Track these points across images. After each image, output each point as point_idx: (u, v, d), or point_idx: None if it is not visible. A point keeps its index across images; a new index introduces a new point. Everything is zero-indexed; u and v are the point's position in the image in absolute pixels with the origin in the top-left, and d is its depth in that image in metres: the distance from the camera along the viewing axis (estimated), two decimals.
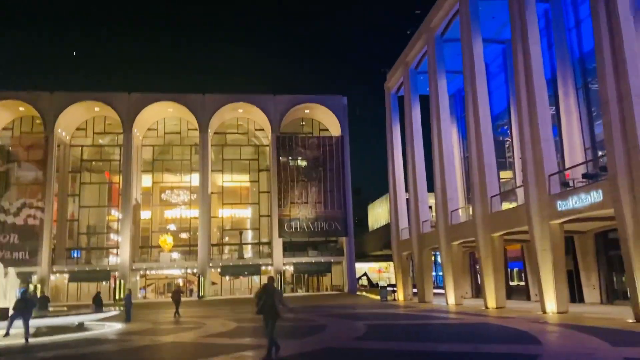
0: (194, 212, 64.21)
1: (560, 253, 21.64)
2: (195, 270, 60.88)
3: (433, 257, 40.25)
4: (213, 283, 63.80)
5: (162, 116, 66.86)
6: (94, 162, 66.00)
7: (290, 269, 65.07)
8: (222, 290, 63.28)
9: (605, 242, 25.15)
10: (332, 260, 65.85)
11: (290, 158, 65.92)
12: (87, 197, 64.60)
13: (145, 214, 66.51)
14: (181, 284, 62.88)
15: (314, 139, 67.67)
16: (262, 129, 69.06)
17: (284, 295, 46.57)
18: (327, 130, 69.97)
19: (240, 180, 69.29)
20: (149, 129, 67.24)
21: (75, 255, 63.10)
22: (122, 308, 27.08)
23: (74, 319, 22.87)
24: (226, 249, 67.85)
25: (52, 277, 58.14)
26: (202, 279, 59.38)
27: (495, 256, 26.75)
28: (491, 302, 26.56)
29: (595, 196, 18.54)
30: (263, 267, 64.76)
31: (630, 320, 16.76)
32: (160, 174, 67.85)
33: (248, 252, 67.62)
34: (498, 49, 33.92)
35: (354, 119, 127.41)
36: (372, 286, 50.41)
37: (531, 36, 23.20)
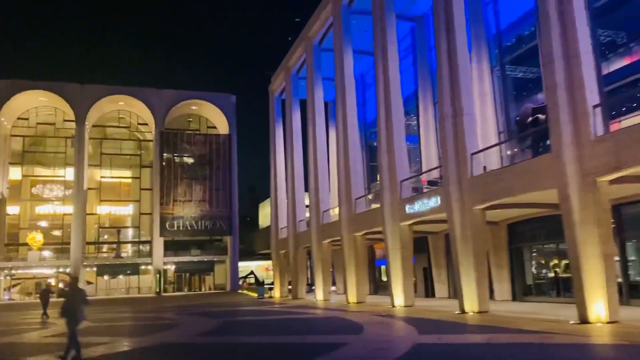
0: (69, 209, 60.86)
1: (409, 252, 23.79)
2: (68, 270, 57.68)
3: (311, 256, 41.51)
4: (89, 283, 60.94)
5: (34, 105, 62.60)
6: None
7: (172, 268, 64.01)
8: (98, 290, 60.65)
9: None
10: (216, 259, 65.74)
11: (175, 154, 64.74)
12: None
13: (13, 209, 61.87)
14: (52, 284, 59.28)
15: (200, 136, 67.08)
16: (146, 124, 67.16)
17: (167, 294, 45.23)
18: (215, 128, 69.61)
19: (120, 176, 66.79)
20: (19, 118, 62.60)
21: None
22: None
23: None
24: (104, 247, 65.15)
25: None
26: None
27: (357, 254, 28.63)
28: (352, 297, 28.36)
29: (434, 202, 20.74)
30: (142, 267, 63.12)
31: (457, 312, 19.03)
32: (31, 167, 63.51)
33: (128, 251, 65.48)
34: (372, 60, 36.00)
35: (250, 119, 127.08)
36: (259, 284, 51.30)
37: (390, 52, 25.17)
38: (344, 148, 29.55)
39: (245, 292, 56.18)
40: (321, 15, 33.61)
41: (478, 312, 18.33)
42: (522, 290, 23.65)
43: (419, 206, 22.02)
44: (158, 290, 59.46)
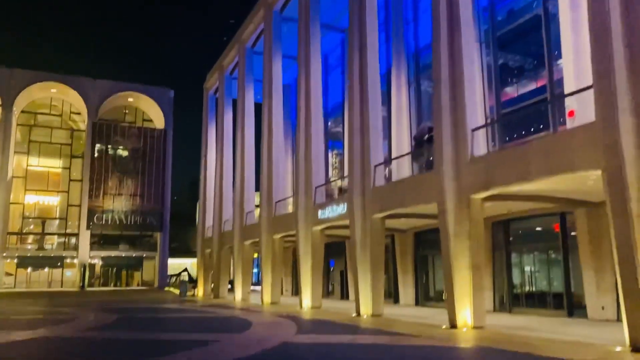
0: None
1: (319, 256, 24.70)
2: None
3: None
4: (8, 274, 58.76)
5: None
6: None
7: (99, 262, 62.63)
8: (18, 283, 58.53)
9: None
10: (145, 255, 64.79)
11: (108, 146, 63.42)
12: None
13: None
14: None
15: (135, 129, 65.95)
16: (79, 113, 65.42)
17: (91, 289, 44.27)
18: (151, 121, 68.61)
19: (49, 165, 64.70)
20: None
21: None
22: None
23: None
24: (29, 238, 62.86)
25: None
26: None
27: (275, 255, 29.34)
28: (267, 298, 29.00)
29: (342, 208, 21.76)
30: (68, 260, 61.45)
31: (354, 314, 20.07)
32: None
33: (54, 243, 63.46)
34: None
35: (196, 114, 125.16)
36: (192, 281, 51.05)
37: (313, 61, 26.00)
38: (268, 150, 30.20)
39: (172, 289, 55.76)
40: (254, 19, 34.14)
41: (372, 315, 19.40)
42: (424, 296, 25.07)
43: (329, 212, 22.97)
44: (82, 284, 58.00)
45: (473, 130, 15.17)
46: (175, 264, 67.79)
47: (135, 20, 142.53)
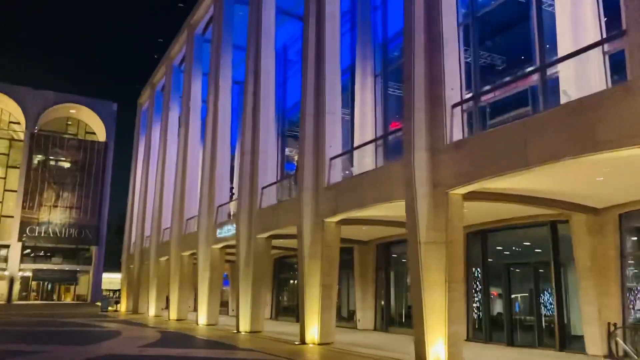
0: None
1: (218, 274, 25.39)
2: None
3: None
4: None
5: None
6: None
7: (28, 275, 61.27)
8: None
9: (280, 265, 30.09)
10: (79, 269, 63.74)
11: (46, 157, 62.66)
12: None
13: None
14: None
15: (74, 141, 65.42)
16: (19, 123, 64.47)
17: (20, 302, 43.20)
18: (94, 134, 68.15)
19: None
20: None
21: None
22: None
23: None
24: None
25: None
26: None
27: (182, 272, 29.80)
28: (173, 314, 29.40)
29: (230, 230, 22.62)
30: None
31: (234, 331, 20.78)
32: None
33: None
34: None
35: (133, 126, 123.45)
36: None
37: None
38: (183, 167, 30.83)
39: (98, 304, 55.06)
40: (179, 40, 34.98)
41: (250, 332, 20.13)
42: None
43: (225, 231, 23.73)
44: (9, 297, 56.62)
45: (331, 159, 16.28)
46: (113, 278, 66.77)
47: (81, 31, 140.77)
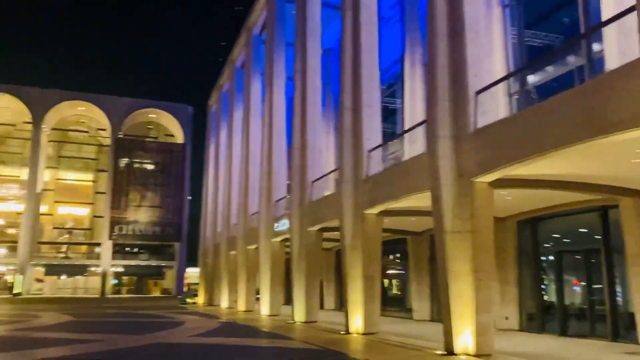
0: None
1: (278, 266, 26.27)
2: (14, 268, 59.61)
3: None
4: (39, 281, 62.90)
5: None
6: None
7: (119, 270, 65.98)
8: (47, 289, 62.52)
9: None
10: (164, 265, 67.79)
11: (130, 161, 67.01)
12: None
13: None
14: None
15: (155, 144, 69.46)
16: (105, 129, 69.40)
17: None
18: (172, 136, 72.09)
19: (77, 178, 69.05)
20: None
21: None
22: None
23: None
24: (61, 248, 67.00)
25: None
26: (19, 276, 58.28)
27: (249, 266, 31.04)
28: (241, 306, 30.76)
29: (285, 224, 23.34)
30: (93, 268, 65.03)
31: (290, 322, 21.48)
32: None
33: (80, 252, 67.37)
34: None
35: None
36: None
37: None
38: (245, 167, 32.05)
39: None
40: (239, 43, 36.24)
41: (305, 322, 20.73)
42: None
43: (281, 225, 24.52)
44: (102, 291, 61.37)
45: (369, 151, 16.45)
46: (195, 272, 70.37)
47: (153, 39, 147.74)
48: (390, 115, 24.87)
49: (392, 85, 25.62)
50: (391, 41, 24.66)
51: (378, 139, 17.08)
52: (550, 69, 15.27)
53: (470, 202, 11.37)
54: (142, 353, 12.45)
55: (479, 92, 11.74)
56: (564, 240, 16.81)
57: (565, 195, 13.91)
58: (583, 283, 15.47)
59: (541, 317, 16.35)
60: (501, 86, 14.18)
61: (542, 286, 16.78)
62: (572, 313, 15.73)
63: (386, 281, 26.59)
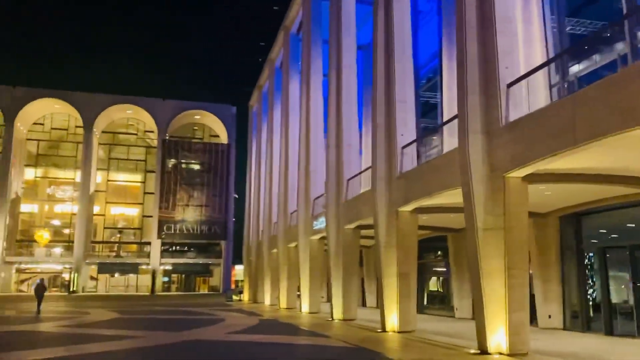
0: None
1: (317, 263, 26.36)
2: (70, 266, 62.26)
3: None
4: (93, 279, 65.51)
5: (49, 111, 67.70)
6: None
7: (169, 268, 67.89)
8: (100, 287, 65.05)
9: None
10: (211, 262, 69.30)
11: (176, 161, 68.81)
12: None
13: (29, 208, 67.14)
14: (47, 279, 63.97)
15: (200, 144, 71.02)
16: (152, 131, 71.50)
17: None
18: (217, 136, 73.51)
19: (127, 179, 71.45)
20: (34, 123, 67.82)
21: None
22: None
23: None
24: (109, 246, 69.60)
25: None
26: (75, 274, 60.85)
27: (290, 264, 31.29)
28: (283, 304, 31.05)
29: (323, 222, 23.36)
30: (143, 266, 67.19)
31: (329, 319, 21.52)
32: (46, 169, 68.70)
33: (131, 251, 69.75)
34: None
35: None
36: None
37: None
38: (285, 165, 32.29)
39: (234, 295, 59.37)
40: (277, 41, 36.51)
41: (343, 320, 20.73)
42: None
43: (319, 223, 24.59)
44: (152, 289, 63.31)
45: (403, 147, 16.26)
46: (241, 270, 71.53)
47: (194, 42, 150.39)
48: (431, 110, 24.59)
49: (432, 79, 25.36)
50: (430, 34, 24.44)
51: (412, 135, 16.84)
52: (594, 57, 14.71)
53: (503, 198, 11.05)
54: (176, 350, 12.74)
55: (510, 84, 11.39)
56: (610, 235, 16.10)
57: (610, 189, 13.38)
58: (630, 280, 14.87)
59: (586, 316, 15.75)
60: (541, 78, 13.80)
61: (587, 284, 16.14)
62: (619, 311, 15.02)
63: (428, 279, 26.26)
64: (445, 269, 24.14)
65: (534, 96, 12.56)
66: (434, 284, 26.48)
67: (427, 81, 25.51)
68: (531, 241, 16.81)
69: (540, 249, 16.61)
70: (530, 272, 16.19)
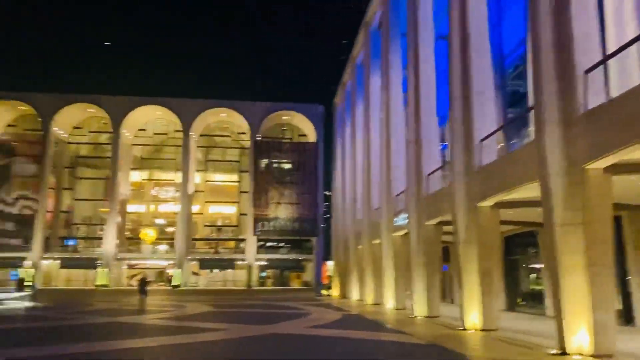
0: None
1: (401, 260, 26.17)
2: (173, 262, 66.55)
3: None
4: (195, 274, 69.59)
5: (152, 117, 72.76)
6: (89, 159, 72.36)
7: (263, 264, 70.47)
8: (202, 282, 68.97)
9: None
10: (303, 258, 71.05)
11: (269, 161, 71.24)
12: (82, 191, 71.01)
13: (136, 208, 72.76)
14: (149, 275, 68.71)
15: (290, 144, 72.96)
16: (245, 133, 74.50)
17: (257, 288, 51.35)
18: (305, 136, 75.15)
19: (224, 180, 75.16)
20: (139, 129, 73.20)
21: (71, 243, 69.34)
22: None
23: None
24: (209, 243, 73.54)
25: (44, 263, 64.19)
26: (177, 270, 64.91)
27: (374, 260, 31.35)
28: (369, 300, 31.19)
29: (405, 218, 23.18)
30: (240, 262, 70.29)
31: (411, 316, 21.35)
32: (151, 172, 74.06)
33: (228, 248, 73.26)
34: None
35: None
36: None
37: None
38: (367, 162, 32.39)
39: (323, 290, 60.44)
40: (359, 39, 36.62)
41: (426, 317, 20.49)
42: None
43: (400, 220, 24.45)
44: (248, 284, 66.08)
45: (481, 140, 15.79)
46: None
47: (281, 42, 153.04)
48: (521, 99, 23.63)
49: (518, 67, 24.36)
50: (516, 20, 23.49)
51: (492, 128, 16.29)
52: None
53: (582, 191, 10.44)
54: (254, 343, 13.35)
55: (588, 70, 10.72)
56: None
57: None
58: None
59: None
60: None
61: None
62: None
63: (521, 276, 25.22)
64: (537, 266, 23.08)
65: (628, 79, 11.73)
66: (526, 281, 25.36)
67: (514, 69, 24.52)
68: (626, 235, 15.77)
69: (636, 243, 15.44)
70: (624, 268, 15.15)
